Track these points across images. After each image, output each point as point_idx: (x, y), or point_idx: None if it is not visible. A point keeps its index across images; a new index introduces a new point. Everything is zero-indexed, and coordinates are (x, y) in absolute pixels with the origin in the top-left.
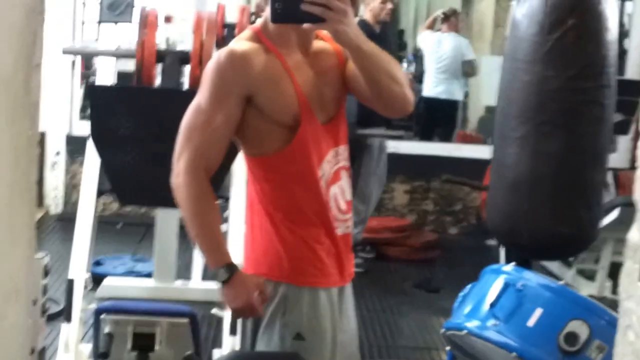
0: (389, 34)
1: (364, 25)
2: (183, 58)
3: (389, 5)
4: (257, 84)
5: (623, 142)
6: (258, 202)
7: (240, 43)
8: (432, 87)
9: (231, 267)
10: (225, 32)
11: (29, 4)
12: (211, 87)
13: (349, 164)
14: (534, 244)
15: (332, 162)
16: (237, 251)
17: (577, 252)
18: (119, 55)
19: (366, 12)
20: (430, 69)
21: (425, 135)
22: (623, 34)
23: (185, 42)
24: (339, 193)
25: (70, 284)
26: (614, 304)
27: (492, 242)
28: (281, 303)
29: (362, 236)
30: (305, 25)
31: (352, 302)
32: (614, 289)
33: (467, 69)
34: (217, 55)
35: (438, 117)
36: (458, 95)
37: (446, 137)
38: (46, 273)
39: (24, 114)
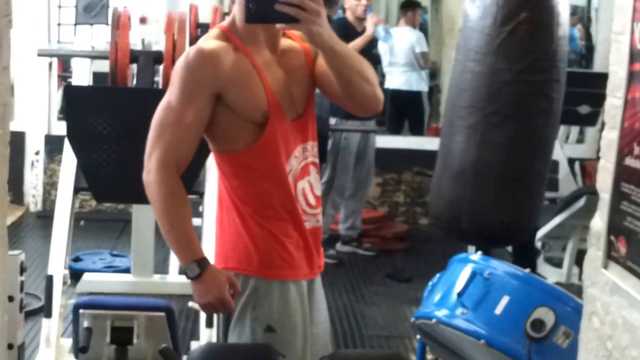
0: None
1: (345, 23)
2: (157, 58)
3: (364, 2)
4: (227, 82)
5: (590, 133)
6: (227, 198)
7: (209, 41)
8: (393, 80)
9: (202, 262)
10: (199, 32)
11: None
12: (181, 85)
13: (317, 160)
14: (474, 231)
15: (300, 158)
16: (210, 246)
17: (515, 240)
18: (93, 56)
19: (347, 11)
20: (391, 62)
21: (395, 127)
22: (589, 28)
23: (160, 43)
24: (307, 188)
25: (49, 280)
26: (581, 291)
27: None
28: (251, 296)
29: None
30: (279, 26)
31: (323, 294)
32: (581, 276)
33: (419, 62)
34: (186, 54)
35: (403, 109)
36: (419, 87)
37: (415, 129)
38: (23, 270)
39: None
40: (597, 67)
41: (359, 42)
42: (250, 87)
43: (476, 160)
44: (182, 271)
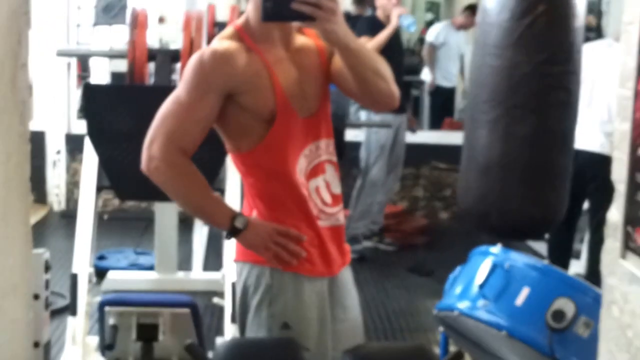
0: (399, 30)
1: (375, 21)
2: (174, 56)
3: (394, 1)
4: (238, 83)
5: None
6: (247, 194)
7: (222, 42)
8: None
9: (242, 216)
10: (216, 31)
11: (13, 5)
12: (192, 83)
13: (334, 158)
14: (503, 225)
15: (312, 156)
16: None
17: (544, 232)
18: (112, 55)
19: (378, 9)
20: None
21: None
22: (600, 21)
23: (177, 42)
24: (323, 186)
25: (74, 278)
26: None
27: None
28: (266, 293)
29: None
30: (295, 24)
31: (352, 291)
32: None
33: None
34: (200, 54)
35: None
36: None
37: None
38: (47, 268)
39: (13, 111)
40: None
41: (384, 34)
42: (259, 86)
43: (501, 154)
44: (206, 267)
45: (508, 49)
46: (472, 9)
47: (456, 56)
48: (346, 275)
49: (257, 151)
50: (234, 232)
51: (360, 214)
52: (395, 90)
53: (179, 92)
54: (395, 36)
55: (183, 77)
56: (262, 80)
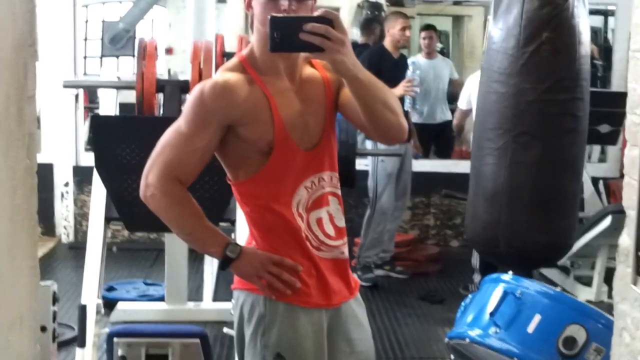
0: (406, 60)
1: (381, 50)
2: (183, 87)
3: (407, 33)
4: (237, 115)
5: (612, 152)
6: (246, 222)
7: (225, 74)
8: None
9: (235, 245)
10: (225, 61)
11: (19, 38)
12: (193, 114)
13: (338, 191)
14: (511, 252)
15: (314, 188)
16: None
17: (553, 260)
18: (120, 86)
19: (386, 39)
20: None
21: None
22: (607, 48)
23: (186, 72)
24: (325, 218)
25: (82, 309)
26: (611, 308)
27: None
28: (260, 322)
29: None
30: (303, 55)
31: (361, 324)
32: (610, 294)
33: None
34: (202, 86)
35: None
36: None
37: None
38: (55, 300)
39: (20, 144)
40: (615, 86)
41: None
42: (259, 119)
43: (508, 182)
44: (217, 297)
45: (513, 76)
46: (427, 28)
47: (438, 88)
48: (354, 308)
49: (252, 181)
50: (226, 261)
51: (371, 243)
52: (404, 122)
53: (179, 122)
54: (401, 69)
55: (185, 108)
56: (262, 113)
